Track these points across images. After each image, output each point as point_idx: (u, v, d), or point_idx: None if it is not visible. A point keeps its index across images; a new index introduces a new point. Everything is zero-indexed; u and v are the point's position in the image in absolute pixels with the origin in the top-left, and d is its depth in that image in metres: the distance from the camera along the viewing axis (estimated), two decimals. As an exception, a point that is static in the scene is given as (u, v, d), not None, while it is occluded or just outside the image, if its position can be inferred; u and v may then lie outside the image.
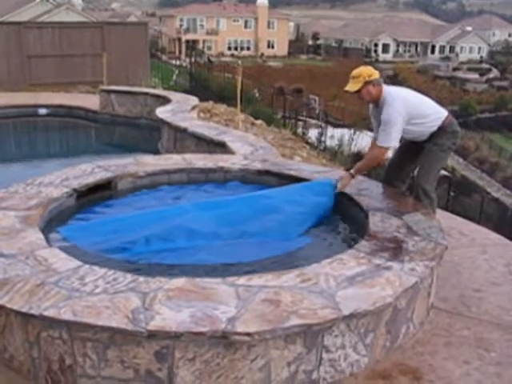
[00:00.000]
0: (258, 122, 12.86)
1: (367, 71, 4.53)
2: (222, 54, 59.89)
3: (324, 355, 2.98)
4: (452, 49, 72.62)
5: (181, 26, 65.72)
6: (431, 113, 4.64)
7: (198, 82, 19.78)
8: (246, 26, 68.95)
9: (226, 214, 4.40)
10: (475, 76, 60.50)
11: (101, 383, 2.85)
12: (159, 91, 12.96)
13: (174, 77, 27.56)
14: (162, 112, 9.04)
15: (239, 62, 12.26)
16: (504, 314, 3.82)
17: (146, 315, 2.78)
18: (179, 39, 62.35)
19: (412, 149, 4.84)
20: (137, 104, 11.49)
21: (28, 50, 16.48)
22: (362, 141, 12.67)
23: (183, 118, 8.61)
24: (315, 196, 4.65)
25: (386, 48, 71.95)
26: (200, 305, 2.89)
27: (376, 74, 4.54)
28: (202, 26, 66.92)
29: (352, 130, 14.23)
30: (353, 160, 11.48)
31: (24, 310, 2.86)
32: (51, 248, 3.62)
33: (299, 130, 16.37)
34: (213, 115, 12.04)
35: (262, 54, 64.19)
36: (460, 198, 18.00)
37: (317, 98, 29.11)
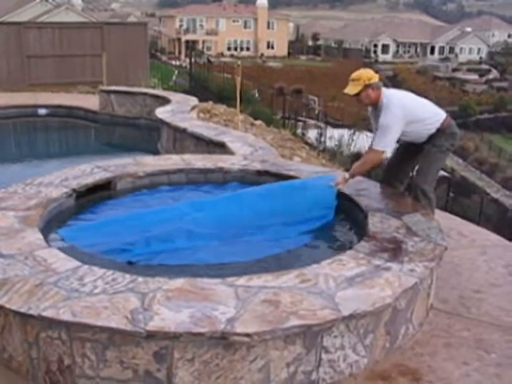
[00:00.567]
0: (258, 122, 12.86)
1: (367, 74, 4.52)
2: (222, 55, 59.90)
3: (323, 356, 2.98)
4: (451, 50, 72.66)
5: (180, 26, 65.77)
6: (430, 116, 4.64)
7: (197, 83, 19.77)
8: (245, 27, 69.00)
9: (224, 213, 4.40)
10: (475, 77, 60.55)
11: (100, 384, 2.85)
12: (159, 91, 12.97)
13: (174, 77, 27.55)
14: (161, 112, 9.03)
15: (239, 62, 12.24)
16: (504, 315, 3.81)
17: (145, 316, 2.78)
18: (179, 39, 62.40)
19: (411, 149, 4.84)
20: (136, 104, 11.49)
21: (28, 50, 16.47)
22: (362, 141, 12.66)
23: (183, 118, 8.60)
24: (314, 194, 4.64)
25: (385, 49, 72.01)
26: (199, 305, 2.88)
27: (376, 78, 4.53)
28: (201, 26, 66.96)
29: (351, 131, 14.22)
30: (352, 161, 11.48)
31: (23, 310, 2.86)
32: (50, 248, 3.61)
33: (299, 131, 16.37)
34: (212, 115, 12.03)
35: (262, 55, 64.22)
36: (459, 198, 18.01)
37: (316, 99, 29.11)
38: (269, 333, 2.74)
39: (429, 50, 73.75)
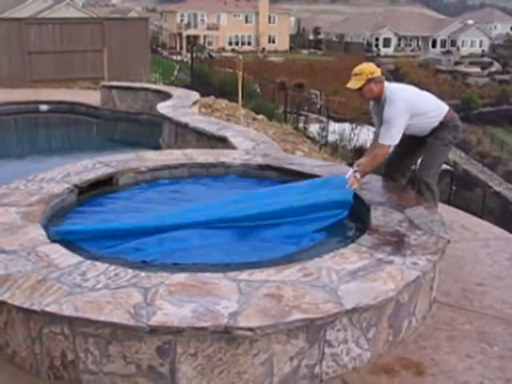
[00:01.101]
0: (260, 116, 12.86)
1: (369, 68, 4.50)
2: (223, 49, 59.79)
3: (326, 350, 2.98)
4: (453, 43, 72.39)
5: (181, 21, 65.63)
6: (432, 109, 4.63)
7: (199, 78, 19.74)
8: (246, 21, 68.85)
9: (238, 213, 4.35)
10: (477, 70, 60.36)
11: (103, 379, 2.85)
12: (160, 87, 12.94)
13: (175, 72, 27.56)
14: (163, 107, 9.02)
15: (240, 57, 12.24)
16: (507, 307, 3.81)
17: (148, 310, 2.78)
18: (180, 34, 62.26)
19: (413, 142, 4.82)
20: (138, 100, 11.47)
21: (29, 46, 16.43)
22: (364, 135, 12.65)
23: (184, 113, 8.59)
24: (331, 193, 4.59)
25: (387, 42, 71.77)
26: (202, 300, 2.88)
27: (378, 72, 4.52)
28: (202, 21, 66.82)
29: (353, 125, 14.20)
30: (354, 155, 11.48)
31: (26, 305, 2.86)
32: (53, 244, 3.61)
33: (300, 125, 16.35)
34: (214, 110, 12.04)
35: (263, 49, 64.10)
36: (462, 192, 18.01)
37: (318, 93, 29.10)
38: (271, 327, 2.74)
39: (430, 44, 73.48)
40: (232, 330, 2.69)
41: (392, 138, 4.49)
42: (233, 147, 6.53)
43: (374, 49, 69.49)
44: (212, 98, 13.75)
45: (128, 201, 4.94)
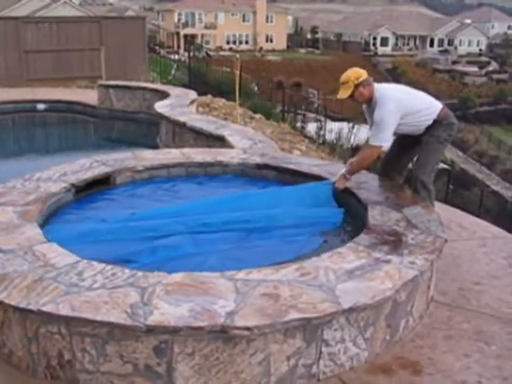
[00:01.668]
0: (257, 115, 12.85)
1: (355, 74, 4.49)
2: (221, 48, 59.74)
3: (323, 349, 2.98)
4: (451, 42, 72.42)
5: (179, 20, 65.51)
6: (425, 107, 4.63)
7: (196, 77, 19.73)
8: (244, 20, 68.75)
9: (232, 214, 4.34)
10: (474, 69, 60.43)
11: (100, 378, 2.85)
12: (158, 86, 12.93)
13: (173, 71, 27.50)
14: (160, 106, 9.01)
15: (238, 56, 12.22)
16: (504, 306, 3.81)
17: (145, 310, 2.77)
18: (177, 33, 62.18)
19: (408, 141, 4.83)
20: (135, 99, 11.46)
21: (25, 45, 16.40)
22: (361, 134, 12.66)
23: (182, 112, 8.58)
24: (315, 201, 4.62)
25: (384, 41, 71.74)
26: (199, 299, 2.88)
27: (364, 75, 4.51)
28: (200, 20, 66.72)
29: (351, 124, 14.21)
30: (351, 154, 11.48)
31: (22, 305, 2.85)
32: (50, 243, 3.60)
33: (298, 124, 16.36)
34: (211, 109, 12.02)
35: (261, 48, 64.04)
36: (459, 191, 18.03)
37: (315, 92, 29.10)
38: (268, 326, 2.73)
39: (428, 43, 73.52)
40: (229, 329, 2.69)
41: (382, 139, 4.50)
42: (230, 146, 6.52)
43: (372, 48, 69.46)
44: (209, 97, 13.74)
45: (123, 199, 4.93)
